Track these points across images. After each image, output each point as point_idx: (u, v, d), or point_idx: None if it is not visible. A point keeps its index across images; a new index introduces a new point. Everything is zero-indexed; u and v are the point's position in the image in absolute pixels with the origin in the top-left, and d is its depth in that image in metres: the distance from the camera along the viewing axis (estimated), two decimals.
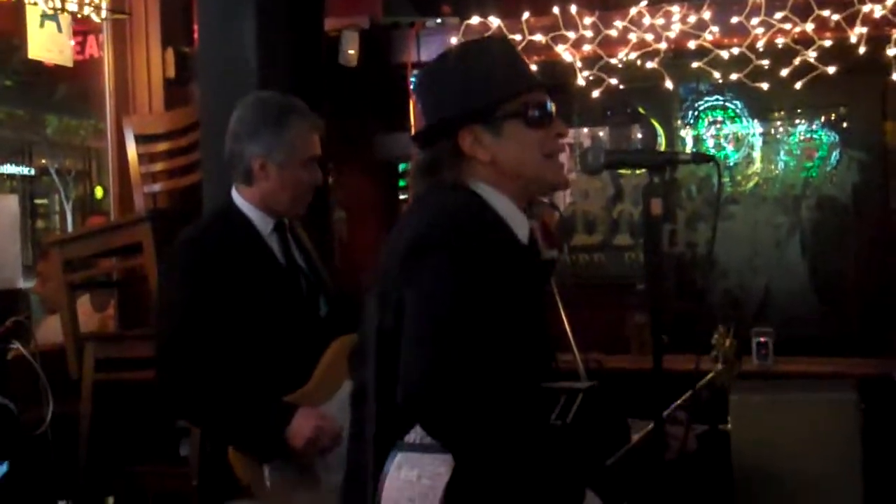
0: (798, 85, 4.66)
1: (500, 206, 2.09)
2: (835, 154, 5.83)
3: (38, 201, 10.86)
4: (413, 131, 5.09)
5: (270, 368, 2.75)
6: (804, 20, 4.54)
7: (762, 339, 4.48)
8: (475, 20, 5.00)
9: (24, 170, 10.47)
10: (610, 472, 2.22)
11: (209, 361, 2.70)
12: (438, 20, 5.19)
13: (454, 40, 5.03)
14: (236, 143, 2.84)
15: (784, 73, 4.65)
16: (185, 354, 2.72)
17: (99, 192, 6.71)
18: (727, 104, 6.05)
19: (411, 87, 5.24)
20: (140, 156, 5.11)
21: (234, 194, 2.89)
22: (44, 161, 10.31)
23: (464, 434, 1.86)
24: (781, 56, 4.66)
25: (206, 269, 2.75)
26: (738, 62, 4.73)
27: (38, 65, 5.29)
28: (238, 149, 2.83)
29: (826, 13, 4.52)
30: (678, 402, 2.38)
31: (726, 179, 5.87)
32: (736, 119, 6.05)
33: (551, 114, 2.11)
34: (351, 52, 5.03)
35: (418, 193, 2.12)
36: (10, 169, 10.38)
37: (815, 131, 5.99)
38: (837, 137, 5.87)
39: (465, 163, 2.08)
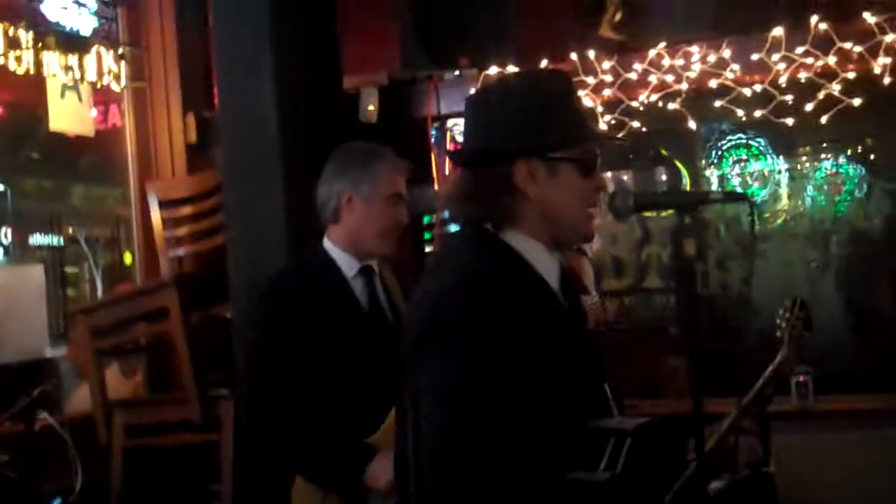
0: (824, 119, 4.61)
1: (529, 252, 2.01)
2: (863, 187, 5.77)
3: (67, 269, 10.95)
4: (435, 183, 5.12)
5: (345, 412, 2.80)
6: (826, 53, 4.49)
7: (801, 378, 4.38)
8: (493, 70, 4.99)
9: (53, 239, 10.57)
10: None
11: (292, 399, 2.80)
12: (456, 72, 5.18)
13: (473, 91, 5.00)
14: (325, 185, 2.97)
15: (809, 107, 4.59)
16: (269, 392, 2.83)
17: (128, 258, 6.71)
18: (751, 142, 6.02)
19: (432, 139, 5.23)
20: (164, 220, 5.13)
21: (325, 240, 3.00)
22: (72, 230, 10.41)
23: None
24: (805, 91, 4.60)
25: (285, 310, 2.88)
26: (760, 99, 4.68)
27: (61, 136, 5.32)
28: (326, 190, 2.96)
29: (848, 45, 4.46)
30: (744, 402, 2.25)
31: (755, 218, 5.80)
32: (760, 156, 6.02)
33: (596, 165, 2.05)
34: (370, 108, 5.03)
35: (442, 245, 2.06)
36: (39, 239, 10.49)
37: (842, 165, 5.95)
38: (864, 170, 5.81)
39: (512, 196, 1.99)
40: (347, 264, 2.96)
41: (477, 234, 2.01)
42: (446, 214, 5.35)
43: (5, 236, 9.44)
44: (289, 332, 2.85)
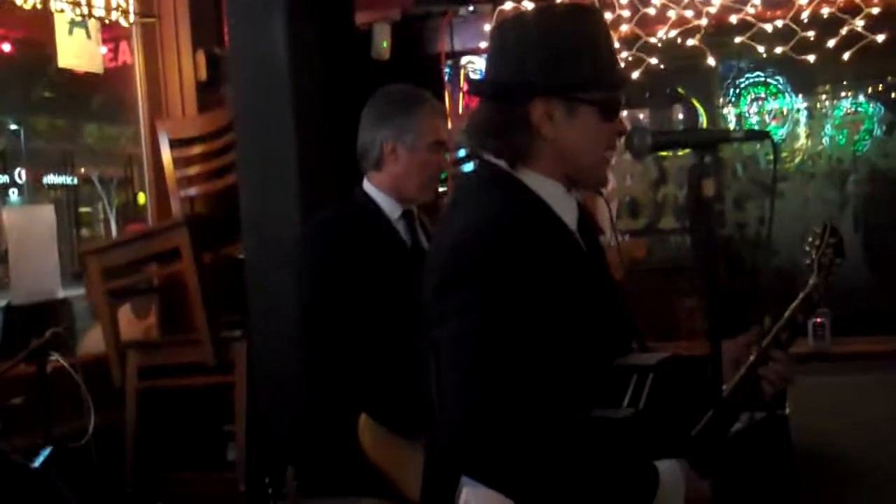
0: (846, 56, 4.50)
1: (546, 192, 1.97)
2: (883, 126, 5.68)
3: (82, 209, 10.96)
4: (449, 121, 5.05)
5: (397, 351, 2.78)
6: None
7: (818, 320, 4.33)
8: (508, 5, 4.89)
9: (66, 179, 10.56)
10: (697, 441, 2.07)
11: (352, 339, 2.84)
12: (471, 8, 5.09)
13: (487, 28, 4.92)
14: (367, 132, 3.00)
15: (831, 44, 4.49)
16: (329, 335, 2.88)
17: (141, 198, 6.71)
18: (769, 80, 5.92)
19: (446, 77, 5.15)
20: (175, 160, 5.08)
21: (366, 183, 3.03)
22: (85, 170, 10.38)
23: (515, 480, 1.77)
24: (827, 26, 4.50)
25: (337, 254, 2.91)
26: (781, 35, 4.57)
27: (72, 73, 5.26)
28: (369, 137, 2.99)
29: None
30: (773, 330, 2.17)
31: (771, 157, 5.73)
32: (779, 95, 5.93)
33: (619, 109, 2.00)
34: (383, 45, 4.95)
35: (458, 188, 2.03)
36: (53, 179, 10.47)
37: (861, 103, 5.86)
38: (884, 109, 5.72)
39: (529, 134, 1.94)
40: (390, 208, 3.00)
41: (493, 175, 1.97)
42: (461, 154, 5.30)
43: (19, 176, 9.45)
44: (342, 275, 2.88)
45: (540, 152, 1.96)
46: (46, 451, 3.50)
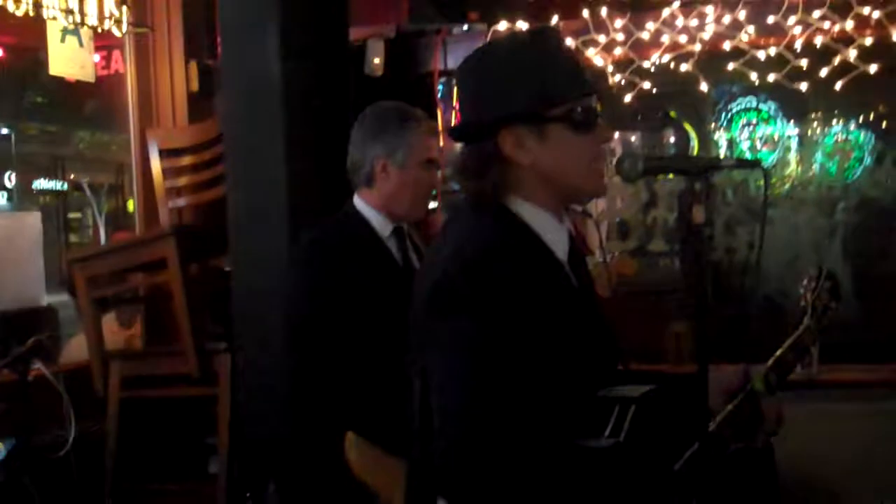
0: (838, 85, 4.52)
1: (537, 222, 1.97)
2: (874, 155, 5.69)
3: (71, 215, 10.93)
4: (445, 130, 5.04)
5: (386, 369, 2.76)
6: (844, 18, 4.40)
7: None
8: (503, 26, 4.90)
9: (56, 185, 10.53)
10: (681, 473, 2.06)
11: (341, 358, 2.81)
12: (465, 27, 5.09)
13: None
14: (358, 149, 2.99)
15: (823, 73, 4.50)
16: (318, 353, 2.84)
17: (131, 205, 6.70)
18: (761, 106, 5.93)
19: (438, 94, 5.14)
20: (164, 170, 5.06)
21: (356, 199, 3.02)
22: (75, 176, 10.36)
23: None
24: (820, 56, 4.51)
25: (329, 272, 2.88)
26: (774, 63, 4.59)
27: (64, 81, 5.24)
28: (359, 154, 2.98)
29: (866, 11, 4.37)
30: (763, 371, 2.17)
31: (761, 182, 5.73)
32: (770, 121, 5.93)
33: (596, 118, 1.97)
34: (376, 61, 4.94)
35: (451, 212, 2.02)
36: (42, 184, 10.44)
37: (852, 132, 5.87)
38: (874, 138, 5.73)
39: (505, 167, 1.95)
40: (381, 225, 2.99)
41: (485, 203, 1.96)
42: (450, 172, 5.30)
43: (9, 180, 9.42)
44: (334, 295, 2.84)
45: (523, 181, 1.96)
46: (9, 444, 3.46)
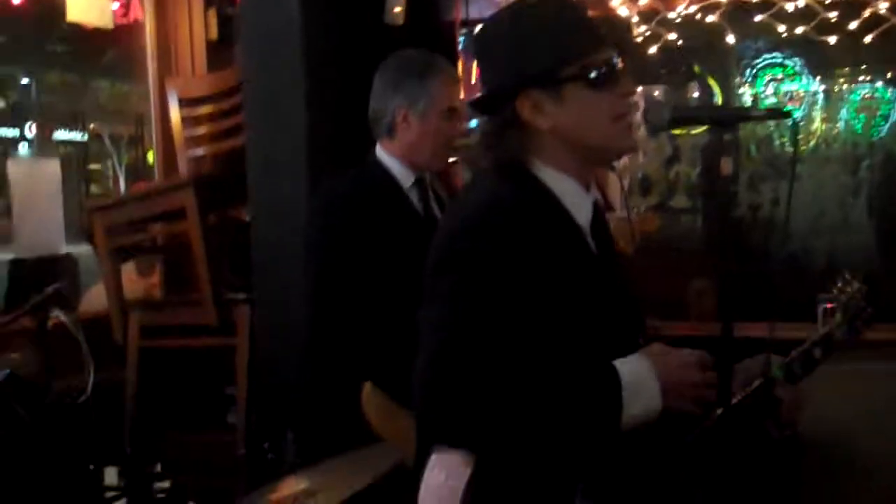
0: (867, 39, 4.42)
1: (558, 187, 1.92)
2: None
3: (91, 166, 10.95)
4: (462, 90, 4.98)
5: (405, 320, 2.75)
6: None
7: (829, 306, 4.27)
8: None
9: (77, 135, 10.54)
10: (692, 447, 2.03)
11: (363, 309, 2.81)
12: None
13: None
14: (379, 98, 2.96)
15: (853, 26, 4.41)
16: (340, 304, 2.84)
17: (151, 156, 6.66)
18: (786, 61, 5.84)
19: (460, 45, 5.08)
20: (183, 119, 5.03)
21: (378, 149, 3.00)
22: (93, 126, 10.36)
23: (480, 435, 1.75)
24: (850, 8, 4.41)
25: (350, 224, 2.86)
26: (803, 15, 4.49)
27: (83, 29, 5.20)
28: (381, 103, 2.96)
29: None
30: (787, 360, 2.12)
31: (786, 138, 5.67)
32: (796, 77, 5.85)
33: (618, 73, 1.91)
34: (397, 9, 4.86)
35: (474, 176, 2.00)
36: (63, 135, 10.45)
37: (879, 88, 5.79)
38: None
39: (526, 133, 1.91)
40: (403, 175, 2.97)
41: (508, 166, 1.92)
42: (473, 124, 5.25)
43: (29, 130, 9.42)
44: (355, 247, 2.84)
45: (545, 146, 1.92)
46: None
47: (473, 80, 5.34)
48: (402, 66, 2.96)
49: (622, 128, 1.92)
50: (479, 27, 2.04)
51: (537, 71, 1.88)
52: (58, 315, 3.65)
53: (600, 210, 2.04)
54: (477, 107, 2.01)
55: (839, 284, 2.28)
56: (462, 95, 3.10)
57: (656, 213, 5.72)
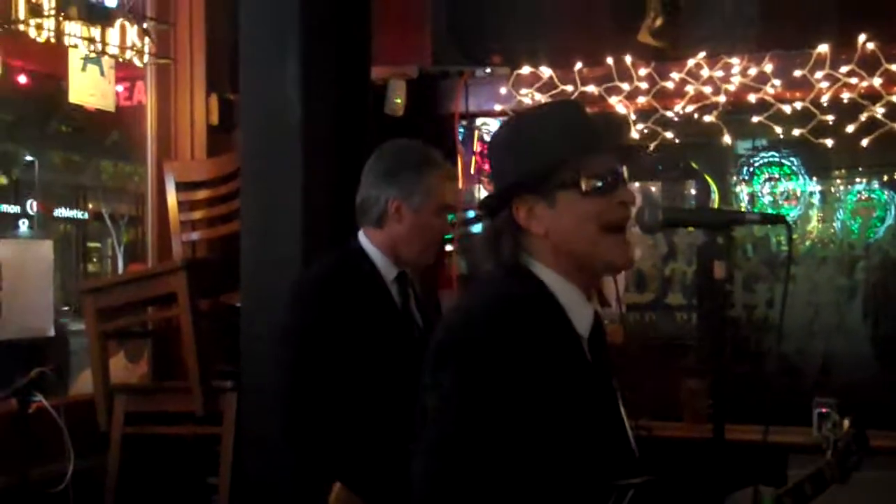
0: (864, 142, 4.44)
1: (562, 292, 1.89)
2: (892, 214, 5.63)
3: (90, 244, 10.96)
4: (460, 182, 5.00)
5: (376, 409, 2.72)
6: (872, 75, 4.33)
7: (824, 410, 4.22)
8: (526, 70, 4.86)
9: (77, 213, 10.56)
10: None
11: (335, 404, 2.70)
12: (488, 70, 5.06)
13: (503, 90, 4.89)
14: (372, 187, 2.87)
15: (849, 129, 4.43)
16: (312, 397, 2.72)
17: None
18: (784, 161, 5.89)
19: (459, 137, 5.11)
20: (180, 203, 5.02)
21: (362, 238, 2.91)
22: (92, 205, 10.39)
23: None
24: (846, 112, 4.44)
25: (329, 314, 2.76)
26: (800, 117, 4.52)
27: (86, 110, 5.23)
28: (373, 192, 2.86)
29: (895, 67, 4.31)
30: (778, 493, 2.06)
31: (782, 238, 5.67)
32: (793, 176, 5.88)
33: (614, 181, 1.88)
34: (397, 101, 4.91)
35: (478, 276, 1.99)
36: (64, 212, 10.48)
37: (875, 190, 5.82)
38: None
39: (523, 236, 1.90)
40: (386, 269, 2.88)
41: (513, 267, 1.91)
42: (470, 215, 5.25)
43: (31, 207, 9.44)
44: (332, 337, 2.73)
45: (543, 251, 1.90)
46: None
47: (472, 171, 5.37)
48: (400, 157, 2.89)
49: (615, 240, 1.88)
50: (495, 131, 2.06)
51: (530, 176, 1.88)
52: (40, 399, 3.59)
53: (601, 321, 2.01)
54: (483, 209, 2.01)
55: (830, 425, 2.28)
56: (461, 187, 3.07)
57: (651, 312, 5.71)
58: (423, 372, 1.86)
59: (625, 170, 1.92)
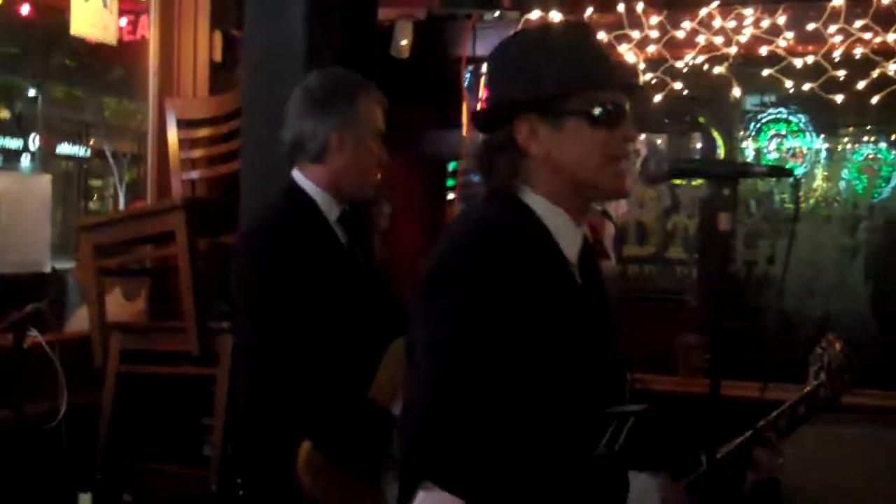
0: (874, 99, 4.38)
1: (551, 218, 1.90)
2: None
3: (92, 182, 10.92)
4: (464, 128, 4.94)
5: (340, 361, 2.65)
6: (886, 30, 4.26)
7: (819, 352, 4.20)
8: (535, 15, 4.79)
9: (79, 150, 10.52)
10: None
11: (302, 358, 2.61)
12: (497, 13, 4.98)
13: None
14: (306, 120, 2.77)
15: (860, 85, 4.36)
16: (279, 352, 2.62)
17: None
18: (791, 117, 5.83)
19: (465, 82, 5.04)
20: (181, 141, 4.98)
21: (298, 176, 2.81)
22: (94, 142, 10.33)
23: (471, 484, 1.70)
24: (858, 67, 4.37)
25: (284, 255, 2.66)
26: (811, 72, 4.45)
27: (93, 45, 5.16)
28: (310, 126, 2.76)
29: None
30: (770, 417, 2.09)
31: (786, 195, 5.64)
32: (800, 133, 5.84)
33: (621, 115, 1.89)
34: (403, 42, 4.84)
35: (465, 200, 1.98)
36: (66, 149, 10.43)
37: (882, 150, 5.77)
38: None
39: (519, 156, 1.89)
40: (328, 205, 2.79)
41: (499, 195, 1.91)
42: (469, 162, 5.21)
43: (33, 142, 9.39)
44: (289, 288, 2.63)
45: (537, 173, 1.90)
46: None
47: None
48: (330, 86, 2.81)
49: (615, 170, 1.90)
50: (495, 46, 2.01)
51: (541, 96, 1.87)
52: (35, 335, 3.57)
53: (589, 245, 2.03)
54: (476, 122, 2.00)
55: (822, 345, 2.24)
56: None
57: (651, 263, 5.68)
58: (416, 295, 1.85)
59: (628, 108, 1.92)
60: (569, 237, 1.92)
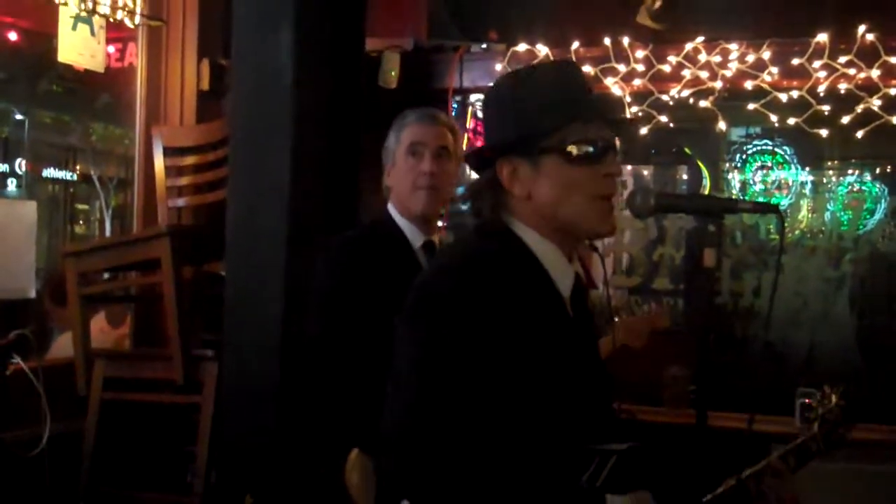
0: (859, 134, 4.41)
1: (543, 252, 1.89)
2: (882, 206, 5.62)
3: (78, 206, 10.89)
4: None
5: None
6: (870, 66, 4.30)
7: (808, 401, 4.20)
8: (522, 47, 4.81)
9: (66, 174, 10.49)
10: None
11: (361, 374, 2.63)
12: (484, 45, 5.01)
13: (499, 67, 4.84)
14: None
15: (845, 120, 4.40)
16: (338, 365, 2.71)
17: None
18: (777, 149, 5.87)
19: (452, 112, 5.06)
20: (167, 168, 4.96)
21: (390, 207, 2.96)
22: (81, 167, 10.31)
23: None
24: (843, 102, 4.41)
25: (356, 273, 2.77)
26: (796, 106, 4.48)
27: (77, 71, 5.16)
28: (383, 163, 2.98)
29: (894, 60, 4.27)
30: (757, 467, 2.07)
31: (772, 227, 5.66)
32: (785, 165, 5.87)
33: (602, 151, 1.86)
34: (391, 73, 4.86)
35: (453, 229, 2.00)
36: (53, 173, 10.41)
37: (867, 183, 5.81)
38: (887, 190, 5.66)
39: (504, 196, 1.90)
40: (413, 235, 2.90)
41: (492, 225, 1.91)
42: (460, 190, 5.22)
43: (19, 167, 9.37)
44: (354, 303, 2.72)
45: (523, 212, 1.90)
46: None
47: (464, 149, 5.33)
48: (392, 126, 2.97)
49: (599, 208, 1.87)
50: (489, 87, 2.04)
51: (515, 137, 1.87)
52: (18, 362, 3.55)
53: (582, 283, 2.01)
54: (468, 163, 2.03)
55: (819, 397, 2.24)
56: (436, 135, 2.99)
57: (637, 294, 5.68)
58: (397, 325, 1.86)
59: (617, 142, 1.90)
60: (560, 269, 1.91)
